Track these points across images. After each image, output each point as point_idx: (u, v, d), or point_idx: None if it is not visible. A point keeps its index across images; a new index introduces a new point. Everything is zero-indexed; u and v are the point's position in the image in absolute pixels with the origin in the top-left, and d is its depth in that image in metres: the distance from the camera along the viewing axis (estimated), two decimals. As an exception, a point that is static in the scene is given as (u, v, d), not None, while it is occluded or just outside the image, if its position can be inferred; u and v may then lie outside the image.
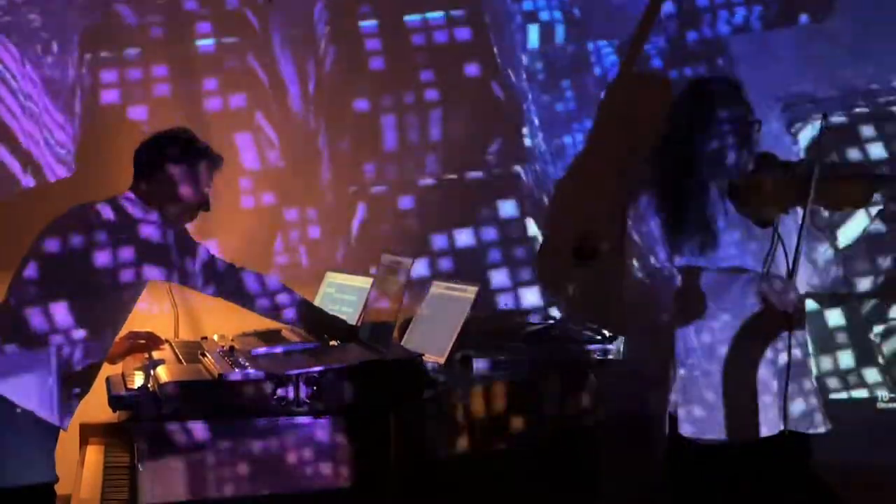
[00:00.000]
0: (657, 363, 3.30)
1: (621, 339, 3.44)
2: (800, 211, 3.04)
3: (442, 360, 3.14)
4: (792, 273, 3.01)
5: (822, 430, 3.17)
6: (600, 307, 4.08)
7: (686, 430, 3.15)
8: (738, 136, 3.14)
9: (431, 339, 3.24)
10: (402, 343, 3.36)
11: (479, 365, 3.29)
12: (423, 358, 2.98)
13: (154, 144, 3.15)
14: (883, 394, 4.12)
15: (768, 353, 3.12)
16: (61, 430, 3.02)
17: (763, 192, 3.10)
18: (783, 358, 3.09)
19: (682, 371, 3.16)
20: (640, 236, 3.20)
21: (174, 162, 3.10)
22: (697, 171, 3.14)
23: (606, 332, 3.49)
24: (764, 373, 3.11)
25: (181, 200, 3.11)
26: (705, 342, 3.14)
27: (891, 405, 4.10)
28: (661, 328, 3.25)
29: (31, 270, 3.00)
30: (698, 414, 3.14)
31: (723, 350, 3.14)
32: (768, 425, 3.09)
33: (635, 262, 3.22)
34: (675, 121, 3.23)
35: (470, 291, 3.25)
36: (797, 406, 3.13)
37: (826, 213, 3.28)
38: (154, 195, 3.10)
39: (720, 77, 3.26)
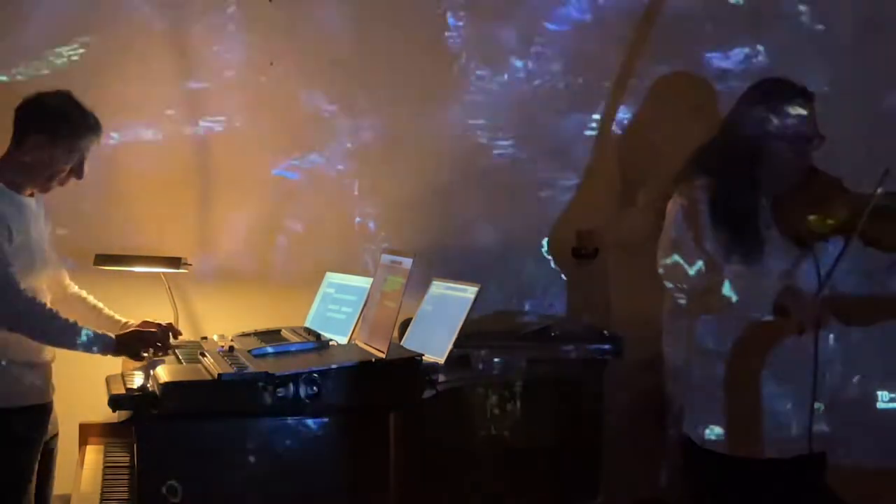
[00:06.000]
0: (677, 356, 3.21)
1: (622, 338, 3.44)
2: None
3: (442, 360, 3.14)
4: (819, 290, 2.90)
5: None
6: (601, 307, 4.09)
7: (696, 437, 3.11)
8: (797, 148, 3.01)
9: (431, 339, 3.24)
10: (402, 343, 3.36)
11: (479, 365, 3.29)
12: (423, 358, 2.98)
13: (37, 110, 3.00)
14: (883, 393, 4.12)
15: (786, 366, 3.03)
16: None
17: (807, 213, 2.97)
18: (809, 372, 3.00)
19: (695, 372, 3.09)
20: (690, 227, 3.02)
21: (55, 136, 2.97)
22: (751, 177, 3.01)
23: (606, 332, 3.49)
24: (787, 384, 3.04)
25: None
26: (722, 343, 3.05)
27: (891, 405, 4.10)
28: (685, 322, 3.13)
29: None
30: (706, 420, 3.08)
31: (736, 352, 3.04)
32: (791, 442, 3.04)
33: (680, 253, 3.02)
34: (736, 119, 3.09)
35: (470, 291, 3.25)
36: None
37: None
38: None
39: (793, 83, 3.07)
